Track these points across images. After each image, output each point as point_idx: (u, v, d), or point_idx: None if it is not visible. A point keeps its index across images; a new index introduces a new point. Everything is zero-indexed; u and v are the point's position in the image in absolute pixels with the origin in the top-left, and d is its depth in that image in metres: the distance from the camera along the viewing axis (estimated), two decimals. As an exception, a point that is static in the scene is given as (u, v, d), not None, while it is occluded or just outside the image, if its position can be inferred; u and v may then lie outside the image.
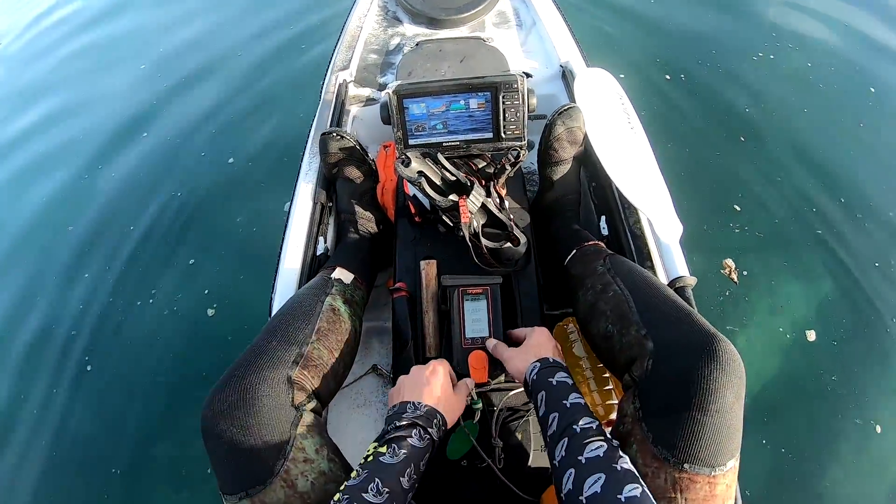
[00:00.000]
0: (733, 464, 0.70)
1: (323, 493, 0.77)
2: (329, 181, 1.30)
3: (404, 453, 0.76)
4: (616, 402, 1.06)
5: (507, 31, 1.76)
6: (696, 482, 0.68)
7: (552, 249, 1.22)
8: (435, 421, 0.83)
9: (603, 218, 1.26)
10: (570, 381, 0.83)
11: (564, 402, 0.79)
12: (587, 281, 1.03)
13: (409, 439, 0.78)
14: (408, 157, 1.08)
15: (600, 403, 1.06)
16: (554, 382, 0.83)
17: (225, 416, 0.76)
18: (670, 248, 1.14)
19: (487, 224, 1.14)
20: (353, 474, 0.73)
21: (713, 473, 0.68)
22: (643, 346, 0.81)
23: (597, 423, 0.76)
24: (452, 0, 1.77)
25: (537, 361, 0.88)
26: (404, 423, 0.81)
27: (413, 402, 0.85)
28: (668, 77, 2.46)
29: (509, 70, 1.50)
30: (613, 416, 1.05)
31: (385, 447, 0.76)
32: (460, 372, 0.99)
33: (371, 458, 0.75)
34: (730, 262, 1.84)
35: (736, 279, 1.81)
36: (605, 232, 1.24)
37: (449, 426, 0.87)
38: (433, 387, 0.88)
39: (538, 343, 0.93)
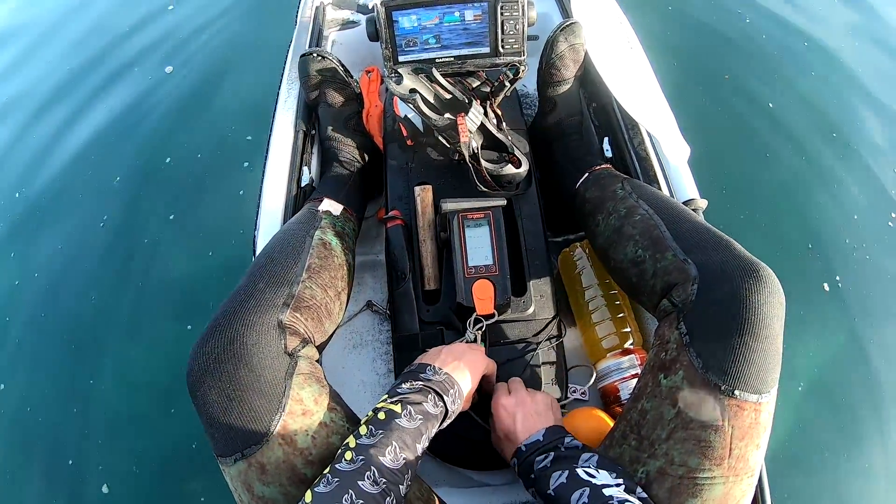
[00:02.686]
0: (775, 391, 0.68)
1: (326, 446, 0.70)
2: (310, 108, 1.20)
3: (420, 418, 0.69)
4: (629, 329, 1.01)
5: None
6: (744, 409, 0.65)
7: (557, 173, 1.15)
8: (452, 391, 0.76)
9: (606, 139, 1.19)
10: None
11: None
12: (607, 205, 0.97)
13: (424, 404, 0.71)
14: (399, 74, 0.99)
15: (614, 332, 1.01)
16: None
17: (211, 370, 0.68)
18: (678, 169, 1.08)
19: (485, 146, 1.06)
20: (364, 430, 0.66)
21: (759, 400, 0.65)
22: (684, 270, 0.77)
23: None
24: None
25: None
26: (419, 384, 0.74)
27: (433, 366, 0.78)
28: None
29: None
30: (628, 343, 1.00)
31: (400, 407, 0.69)
32: (465, 304, 0.93)
33: (384, 416, 0.68)
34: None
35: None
36: (609, 153, 1.18)
37: (463, 407, 0.81)
38: (460, 360, 0.81)
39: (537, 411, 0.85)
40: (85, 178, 2.01)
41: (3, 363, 1.63)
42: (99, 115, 2.19)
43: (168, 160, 1.98)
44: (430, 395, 0.73)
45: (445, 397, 0.74)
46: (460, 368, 0.79)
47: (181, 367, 0.72)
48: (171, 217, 1.82)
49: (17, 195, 2.03)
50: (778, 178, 1.78)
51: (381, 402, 0.71)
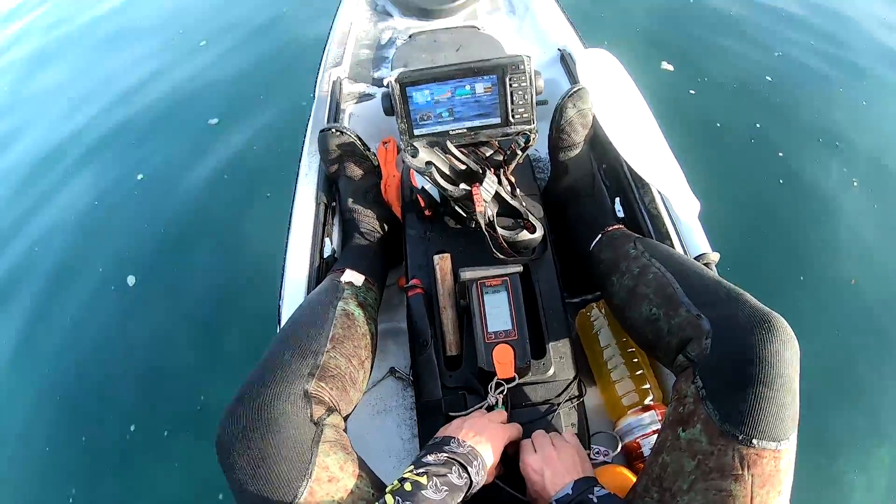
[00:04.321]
0: (794, 437, 0.68)
1: None
2: (330, 180, 1.25)
3: (446, 490, 0.71)
4: (648, 385, 1.02)
5: (500, 19, 1.72)
6: (763, 457, 0.66)
7: (571, 235, 1.18)
8: (476, 462, 0.78)
9: (617, 199, 1.22)
10: None
11: None
12: (621, 265, 0.99)
13: (449, 476, 0.73)
14: (415, 148, 1.03)
15: (634, 389, 1.01)
16: None
17: (240, 438, 0.71)
18: (689, 224, 1.11)
19: (500, 213, 1.09)
20: (390, 501, 0.67)
21: (778, 448, 0.66)
22: (698, 325, 0.79)
23: None
24: (442, -11, 1.73)
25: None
26: (444, 456, 0.76)
27: (456, 439, 0.80)
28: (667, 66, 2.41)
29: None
30: (648, 400, 1.00)
31: (426, 479, 0.71)
32: (486, 369, 0.95)
33: (410, 487, 0.70)
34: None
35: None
36: (620, 214, 1.20)
37: (488, 479, 0.83)
38: (483, 433, 0.83)
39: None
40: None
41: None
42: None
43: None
44: (454, 467, 0.74)
45: (470, 468, 0.75)
46: (483, 441, 0.81)
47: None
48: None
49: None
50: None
51: (407, 472, 0.73)
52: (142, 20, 3.28)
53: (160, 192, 2.25)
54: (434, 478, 0.71)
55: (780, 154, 2.00)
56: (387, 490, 0.70)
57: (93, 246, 2.14)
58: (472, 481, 0.75)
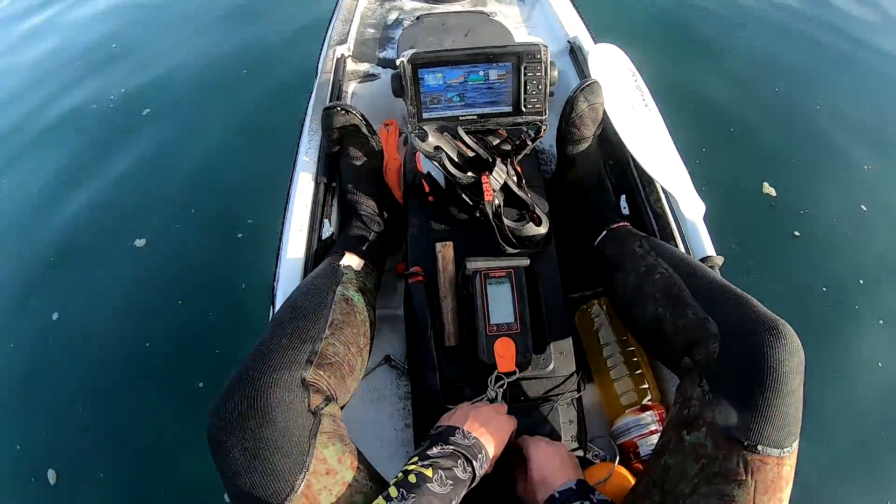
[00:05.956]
0: (797, 445, 0.69)
1: None
2: (331, 160, 1.21)
3: (451, 484, 0.69)
4: (647, 385, 1.01)
5: (509, 7, 1.69)
6: (767, 463, 0.66)
7: (574, 230, 1.16)
8: (480, 456, 0.75)
9: (623, 197, 1.20)
10: None
11: None
12: (626, 263, 0.98)
13: (455, 469, 0.71)
14: (424, 131, 1.00)
15: (632, 388, 1.00)
16: None
17: (234, 427, 0.68)
18: (696, 226, 1.10)
19: (506, 203, 1.07)
20: (394, 493, 0.65)
21: (781, 455, 0.66)
22: (705, 328, 0.78)
23: None
24: (452, -28, 1.69)
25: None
26: (450, 448, 0.74)
27: (462, 429, 0.78)
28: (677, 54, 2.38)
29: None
30: (646, 399, 0.99)
31: (431, 471, 0.69)
32: (486, 361, 0.93)
33: (415, 479, 0.67)
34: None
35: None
36: (625, 211, 1.19)
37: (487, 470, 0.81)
38: (488, 424, 0.81)
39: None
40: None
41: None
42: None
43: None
44: (459, 461, 0.72)
45: (474, 462, 0.74)
46: (487, 433, 0.79)
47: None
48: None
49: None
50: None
51: (412, 464, 0.71)
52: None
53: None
54: (440, 471, 0.69)
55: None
56: (391, 482, 0.68)
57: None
58: (475, 475, 0.73)
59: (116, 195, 2.12)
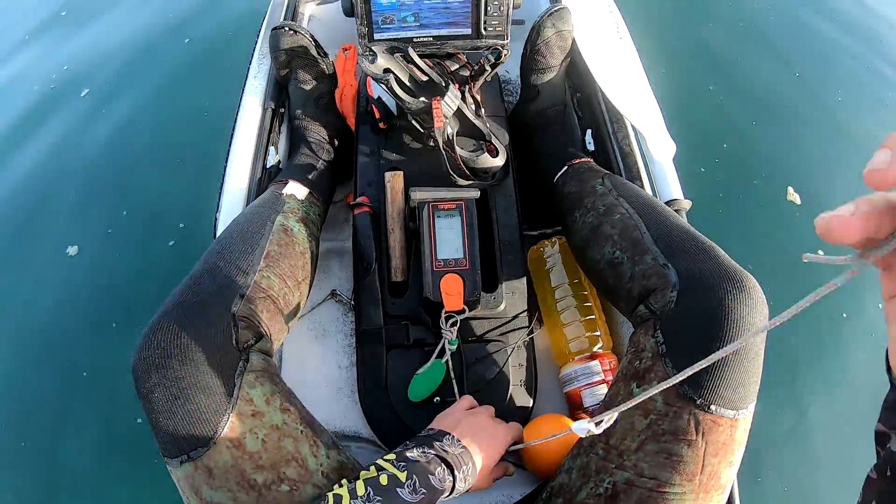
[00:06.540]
0: (752, 408, 0.65)
1: (277, 450, 0.65)
2: (280, 84, 1.14)
3: (423, 493, 0.63)
4: (599, 332, 0.97)
5: None
6: (720, 424, 0.63)
7: (536, 164, 1.10)
8: (465, 467, 0.69)
9: (589, 132, 1.14)
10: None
11: None
12: (586, 201, 0.93)
13: (431, 477, 0.65)
14: (374, 53, 0.93)
15: (583, 335, 0.96)
16: None
17: (157, 366, 0.64)
18: (663, 167, 1.04)
19: (462, 132, 1.01)
20: (361, 490, 0.61)
21: (736, 416, 0.63)
22: (664, 276, 0.73)
23: None
24: None
25: None
26: (432, 453, 0.68)
27: (451, 435, 0.72)
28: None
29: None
30: (597, 347, 0.95)
31: (405, 476, 0.64)
32: (432, 299, 0.88)
33: (386, 481, 0.62)
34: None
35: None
36: (591, 147, 1.13)
37: (479, 485, 0.76)
38: (479, 434, 0.75)
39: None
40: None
41: None
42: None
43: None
44: (439, 469, 0.67)
45: (457, 473, 0.68)
46: (479, 443, 0.74)
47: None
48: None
49: None
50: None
51: (387, 461, 0.66)
52: None
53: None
54: (414, 476, 0.64)
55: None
56: (361, 475, 0.64)
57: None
58: (454, 486, 0.68)
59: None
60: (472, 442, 0.72)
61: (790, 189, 1.62)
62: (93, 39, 2.26)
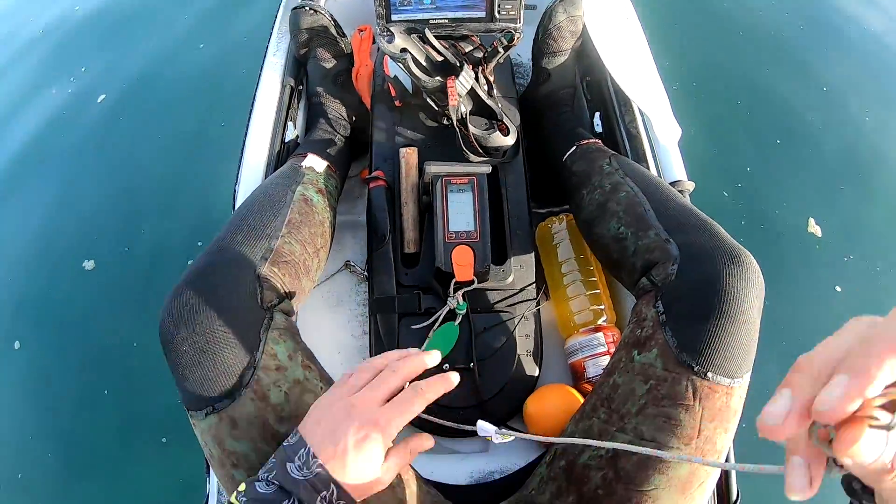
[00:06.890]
0: (748, 377, 0.68)
1: (299, 403, 0.68)
2: (299, 62, 1.18)
3: None
4: (603, 306, 1.00)
5: None
6: (716, 391, 0.66)
7: (545, 144, 1.14)
8: (325, 493, 0.53)
9: (597, 114, 1.17)
10: None
11: None
12: (593, 179, 0.96)
13: None
14: (391, 33, 0.96)
15: (588, 307, 1.00)
16: None
17: (185, 321, 0.66)
18: (668, 149, 1.07)
19: (474, 111, 1.04)
20: None
21: (732, 385, 0.66)
22: (665, 250, 0.77)
23: None
24: None
25: None
26: (275, 484, 0.54)
27: (307, 450, 0.54)
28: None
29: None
30: (601, 320, 0.99)
31: None
32: (443, 269, 0.92)
33: None
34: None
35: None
36: (599, 129, 1.16)
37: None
38: (349, 445, 0.54)
39: None
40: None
41: None
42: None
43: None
44: (286, 501, 0.53)
45: (317, 498, 0.53)
46: (346, 457, 0.54)
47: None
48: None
49: None
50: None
51: (235, 496, 0.54)
52: None
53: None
54: None
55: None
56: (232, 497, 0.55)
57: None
58: None
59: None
60: (332, 456, 0.54)
61: (811, 220, 1.63)
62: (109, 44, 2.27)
